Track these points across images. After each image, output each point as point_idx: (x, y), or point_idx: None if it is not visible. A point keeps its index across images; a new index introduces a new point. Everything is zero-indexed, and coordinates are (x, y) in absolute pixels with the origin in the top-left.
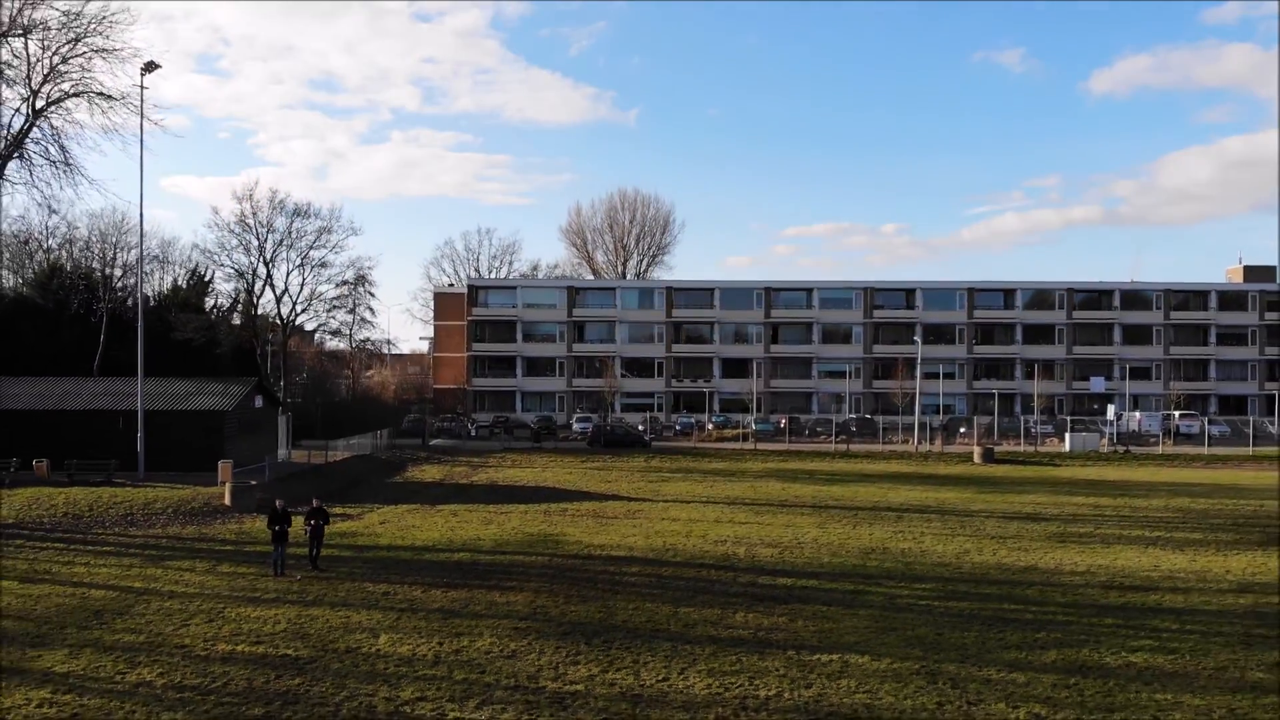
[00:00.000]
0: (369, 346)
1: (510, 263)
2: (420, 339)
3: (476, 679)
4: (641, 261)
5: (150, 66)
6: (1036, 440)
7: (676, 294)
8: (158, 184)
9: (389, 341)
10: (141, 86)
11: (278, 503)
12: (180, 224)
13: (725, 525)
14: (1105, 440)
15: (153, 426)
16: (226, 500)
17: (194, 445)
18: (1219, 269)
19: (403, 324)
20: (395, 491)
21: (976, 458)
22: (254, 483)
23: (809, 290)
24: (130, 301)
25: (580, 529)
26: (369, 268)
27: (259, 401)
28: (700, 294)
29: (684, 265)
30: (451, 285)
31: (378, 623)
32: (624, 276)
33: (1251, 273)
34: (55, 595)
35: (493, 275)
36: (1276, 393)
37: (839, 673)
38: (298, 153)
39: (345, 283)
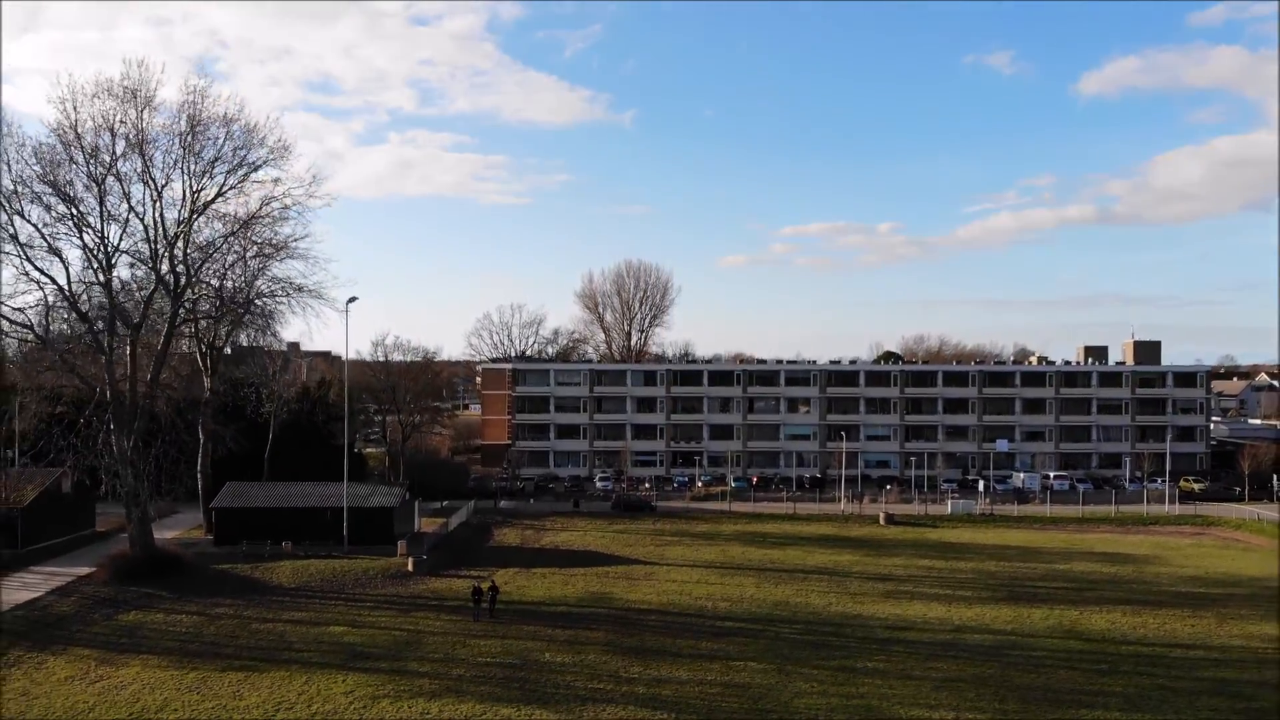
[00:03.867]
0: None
1: (538, 331)
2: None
3: (595, 670)
4: (645, 320)
5: (352, 300)
6: (943, 497)
7: (674, 374)
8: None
9: (450, 410)
10: (347, 311)
11: (474, 585)
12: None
13: (702, 585)
14: (980, 502)
15: (348, 517)
16: (410, 568)
17: (373, 529)
18: (1213, 270)
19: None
20: (496, 556)
21: (881, 520)
22: (424, 557)
23: (777, 371)
24: (284, 409)
25: (620, 588)
26: (435, 355)
27: (407, 495)
28: (693, 374)
29: (682, 269)
30: (495, 360)
31: (540, 646)
32: (629, 335)
33: (1141, 348)
34: (379, 634)
35: (520, 342)
36: (1130, 456)
37: (740, 669)
38: (295, 153)
39: (415, 362)
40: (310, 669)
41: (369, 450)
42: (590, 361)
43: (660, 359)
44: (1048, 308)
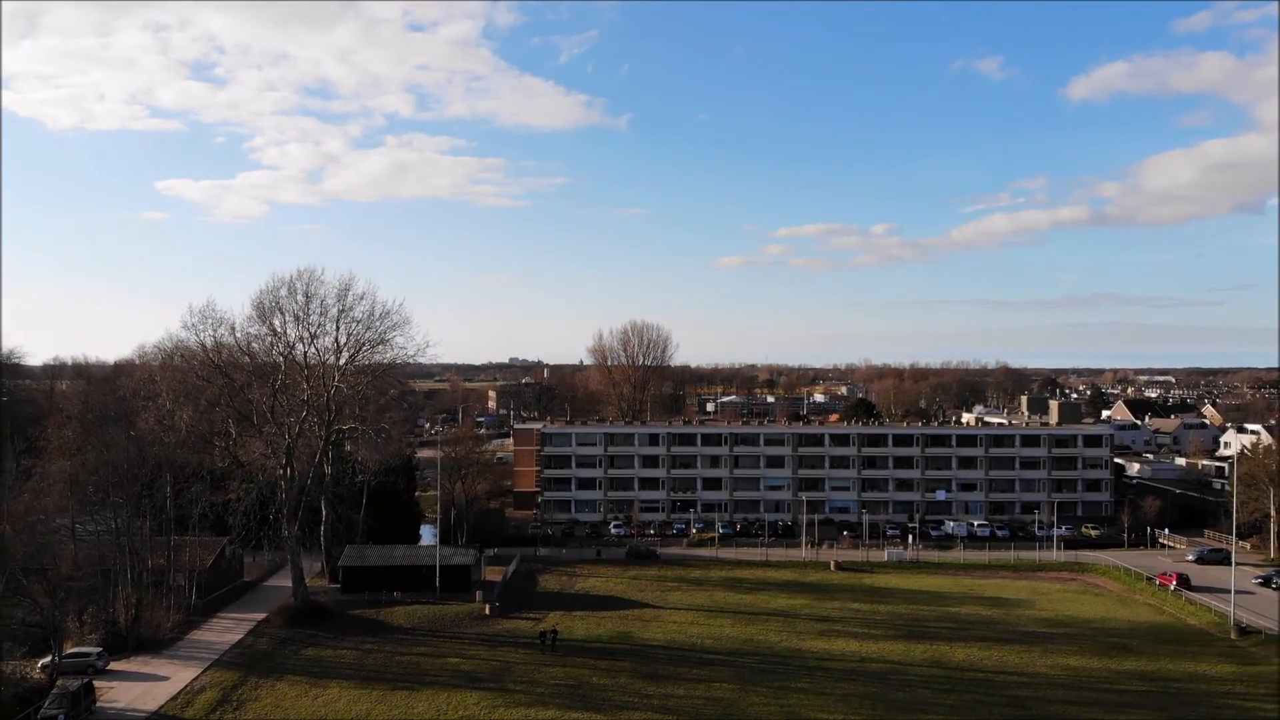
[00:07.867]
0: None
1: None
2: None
3: (625, 689)
4: (647, 370)
5: (451, 413)
6: (884, 544)
7: (673, 436)
8: (152, 186)
9: (490, 464)
10: (439, 428)
11: (540, 630)
12: (174, 225)
13: (694, 626)
14: (910, 550)
15: (439, 573)
16: (486, 612)
17: (456, 580)
18: (1207, 271)
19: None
20: (545, 601)
21: (832, 566)
22: (497, 603)
23: (758, 434)
24: (373, 478)
25: (637, 628)
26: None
27: (479, 556)
28: (689, 436)
29: (679, 270)
30: (525, 420)
31: (588, 672)
32: (634, 382)
33: (1064, 409)
34: (481, 664)
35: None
36: (1046, 505)
37: (717, 688)
38: (293, 156)
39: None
40: (448, 688)
41: (420, 493)
42: (604, 422)
43: (665, 370)
44: (1043, 308)
